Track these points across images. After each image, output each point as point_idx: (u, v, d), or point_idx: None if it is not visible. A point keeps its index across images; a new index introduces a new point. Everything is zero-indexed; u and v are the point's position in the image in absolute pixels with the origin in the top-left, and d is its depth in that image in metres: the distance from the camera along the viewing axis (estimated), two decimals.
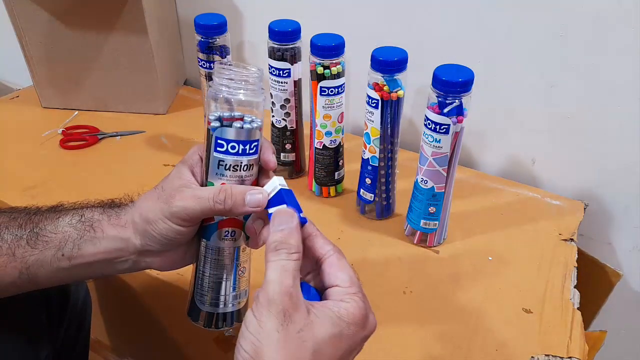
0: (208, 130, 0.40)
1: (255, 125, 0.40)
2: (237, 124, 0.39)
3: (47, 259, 0.40)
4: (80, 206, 0.43)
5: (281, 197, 0.39)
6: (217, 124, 0.39)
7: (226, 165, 0.40)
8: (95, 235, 0.41)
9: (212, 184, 0.40)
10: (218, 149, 0.39)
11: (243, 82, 0.39)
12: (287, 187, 0.40)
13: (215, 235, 0.41)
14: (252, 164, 0.41)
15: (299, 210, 0.38)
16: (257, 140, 0.40)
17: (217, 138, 0.39)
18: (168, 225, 0.39)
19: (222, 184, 0.40)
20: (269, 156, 0.42)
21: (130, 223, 0.41)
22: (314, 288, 0.38)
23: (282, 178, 0.40)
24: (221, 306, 0.43)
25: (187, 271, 0.59)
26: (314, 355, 0.30)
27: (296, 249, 0.35)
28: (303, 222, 0.38)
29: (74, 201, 0.45)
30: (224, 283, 0.42)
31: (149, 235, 0.40)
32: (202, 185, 0.41)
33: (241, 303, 0.44)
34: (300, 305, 0.32)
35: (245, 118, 0.39)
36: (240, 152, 0.39)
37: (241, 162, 0.40)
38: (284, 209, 0.37)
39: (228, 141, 0.39)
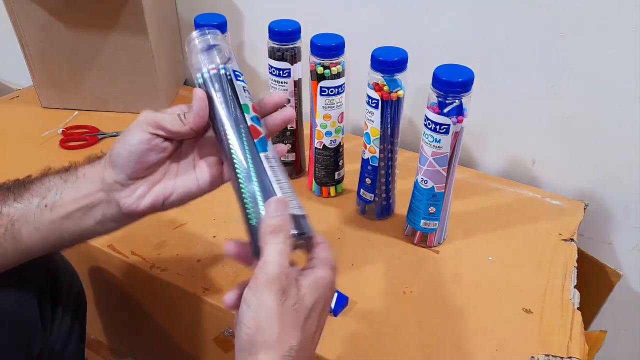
0: (219, 75, 0.42)
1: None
2: (226, 52, 0.43)
3: (30, 211, 0.43)
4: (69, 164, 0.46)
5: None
6: (222, 60, 0.42)
7: (244, 87, 0.43)
8: (77, 177, 0.44)
9: (248, 107, 0.42)
10: (239, 77, 0.43)
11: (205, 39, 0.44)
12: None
13: (269, 143, 0.42)
14: None
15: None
16: None
17: (233, 70, 0.43)
18: (139, 131, 0.41)
19: (253, 105, 0.42)
20: (280, 97, 0.45)
21: (107, 157, 0.43)
22: None
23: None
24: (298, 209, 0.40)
25: (188, 271, 0.60)
26: (305, 320, 0.36)
27: (290, 235, 0.38)
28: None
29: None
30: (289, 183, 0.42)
31: (117, 155, 0.41)
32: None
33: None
34: (293, 282, 0.36)
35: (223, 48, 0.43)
36: (242, 75, 0.44)
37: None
38: (281, 198, 0.39)
39: (237, 71, 0.43)
